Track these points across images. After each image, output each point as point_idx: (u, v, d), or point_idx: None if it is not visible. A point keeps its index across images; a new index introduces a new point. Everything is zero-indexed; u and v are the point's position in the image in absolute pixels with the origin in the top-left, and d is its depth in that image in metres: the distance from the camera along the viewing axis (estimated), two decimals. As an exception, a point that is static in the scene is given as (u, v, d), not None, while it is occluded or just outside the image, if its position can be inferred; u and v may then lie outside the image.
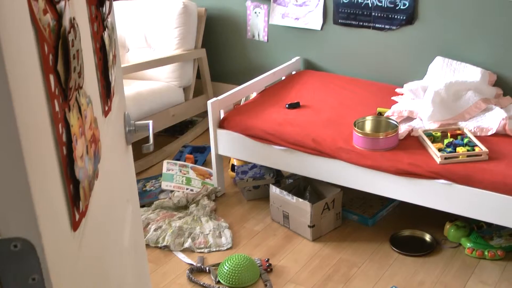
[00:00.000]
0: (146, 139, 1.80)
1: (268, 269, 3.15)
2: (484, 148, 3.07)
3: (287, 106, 3.72)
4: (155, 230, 3.41)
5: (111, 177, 1.44)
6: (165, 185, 3.82)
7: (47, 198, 0.91)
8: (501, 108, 3.45)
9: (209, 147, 3.93)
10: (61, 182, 0.97)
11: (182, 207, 3.69)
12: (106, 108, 1.45)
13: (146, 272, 2.03)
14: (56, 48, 0.97)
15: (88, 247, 1.13)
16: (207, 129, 3.79)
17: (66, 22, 1.03)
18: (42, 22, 0.91)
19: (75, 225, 1.03)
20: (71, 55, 1.04)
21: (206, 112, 3.77)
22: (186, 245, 3.34)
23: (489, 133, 3.28)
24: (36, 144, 0.87)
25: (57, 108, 0.96)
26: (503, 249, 3.18)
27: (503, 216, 2.93)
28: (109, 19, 1.60)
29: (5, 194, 0.82)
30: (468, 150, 3.08)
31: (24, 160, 0.82)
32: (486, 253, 3.17)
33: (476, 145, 3.11)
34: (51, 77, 0.95)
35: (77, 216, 1.04)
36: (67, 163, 1.00)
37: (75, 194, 1.03)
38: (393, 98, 3.73)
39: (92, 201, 1.15)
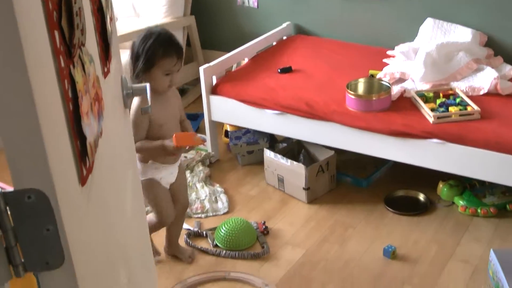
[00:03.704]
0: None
1: (265, 232, 3.18)
2: (476, 107, 3.09)
3: (279, 70, 3.73)
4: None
5: (112, 138, 1.45)
6: (159, 153, 3.83)
7: (57, 152, 0.92)
8: (493, 68, 3.47)
9: (202, 114, 3.94)
10: (69, 137, 0.99)
11: (177, 174, 3.71)
12: (105, 70, 1.46)
13: (147, 235, 2.06)
14: (60, 5, 0.98)
15: (95, 203, 1.15)
16: (199, 97, 3.79)
17: (67, -20, 1.03)
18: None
19: (83, 180, 1.05)
20: (74, 12, 1.05)
21: (197, 80, 3.77)
22: (183, 211, 3.37)
23: (481, 93, 3.30)
24: (45, 99, 0.89)
25: (62, 64, 0.98)
26: (495, 207, 3.22)
27: (496, 173, 2.97)
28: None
29: (19, 146, 0.84)
30: (460, 110, 3.10)
31: (37, 114, 0.83)
32: (479, 210, 3.21)
33: (468, 105, 3.14)
34: (56, 33, 0.96)
35: (85, 172, 1.06)
36: (74, 119, 1.01)
37: (82, 150, 1.05)
38: (384, 60, 3.74)
39: (97, 158, 1.17)
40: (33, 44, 0.85)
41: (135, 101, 2.61)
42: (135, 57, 2.60)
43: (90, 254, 1.10)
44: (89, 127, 1.09)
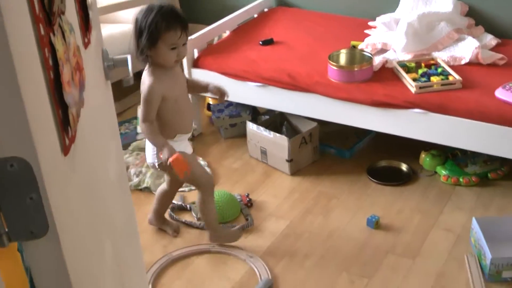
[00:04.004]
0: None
1: (249, 204, 3.19)
2: (458, 77, 3.10)
3: (260, 43, 3.71)
4: (136, 175, 3.42)
5: (95, 110, 1.44)
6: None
7: (39, 120, 0.91)
8: (474, 37, 3.47)
9: (184, 88, 3.92)
10: (50, 106, 0.98)
11: (159, 149, 3.69)
12: (86, 40, 1.44)
13: (132, 207, 2.05)
14: (38, -29, 0.97)
15: (79, 173, 1.14)
16: (183, 70, 3.76)
17: None
18: None
19: (65, 150, 1.04)
20: (53, -21, 1.03)
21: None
22: (166, 185, 3.37)
23: (462, 62, 3.31)
24: (26, 67, 0.88)
25: (42, 32, 0.96)
26: (477, 176, 3.25)
27: (478, 142, 2.99)
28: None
29: (0, 114, 0.83)
30: (442, 79, 3.11)
31: (18, 82, 0.82)
32: (461, 179, 3.24)
33: (450, 74, 3.15)
34: (35, 0, 0.94)
35: (67, 141, 1.05)
36: (55, 87, 1.00)
37: (65, 119, 1.04)
38: (366, 31, 3.73)
39: (80, 128, 1.16)
40: (12, 11, 0.84)
41: (148, 79, 2.59)
42: (138, 33, 2.54)
43: (75, 223, 1.09)
44: (71, 96, 1.08)
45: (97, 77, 1.62)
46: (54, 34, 1.02)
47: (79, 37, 1.34)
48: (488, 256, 2.57)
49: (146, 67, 2.63)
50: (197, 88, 2.93)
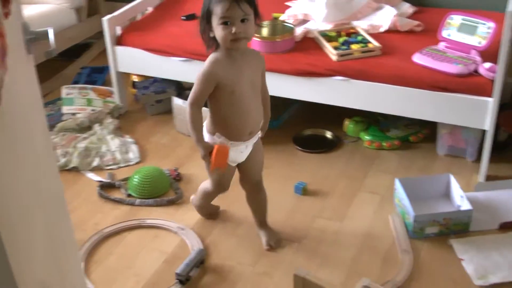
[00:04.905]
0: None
1: (177, 178, 3.21)
2: (377, 44, 3.19)
3: (183, 18, 3.72)
4: (63, 156, 3.38)
5: (17, 81, 1.43)
6: (66, 109, 3.79)
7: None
8: (392, 6, 3.57)
9: (107, 67, 3.88)
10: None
11: (85, 128, 3.66)
12: (6, 11, 1.42)
13: (60, 184, 2.04)
14: None
15: (3, 141, 1.14)
16: (105, 50, 3.74)
17: None
18: None
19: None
20: None
21: (102, 33, 3.71)
22: (95, 163, 3.35)
23: (381, 30, 3.40)
24: None
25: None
26: (399, 139, 3.36)
27: (398, 106, 3.09)
28: None
29: None
30: (362, 47, 3.19)
31: None
32: (384, 144, 3.34)
33: (370, 42, 3.23)
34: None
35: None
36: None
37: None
38: (287, 3, 3.78)
39: (5, 96, 1.15)
40: None
41: (207, 60, 2.34)
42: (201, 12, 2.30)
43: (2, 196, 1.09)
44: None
45: (18, 49, 1.60)
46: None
47: (-1, 6, 1.32)
48: (411, 214, 2.67)
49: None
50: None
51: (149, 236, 2.84)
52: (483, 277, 2.49)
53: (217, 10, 2.20)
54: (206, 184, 2.73)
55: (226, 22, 2.21)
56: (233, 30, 2.20)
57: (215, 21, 2.23)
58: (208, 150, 2.36)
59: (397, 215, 2.84)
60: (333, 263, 2.63)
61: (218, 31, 2.23)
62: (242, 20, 2.21)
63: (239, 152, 2.49)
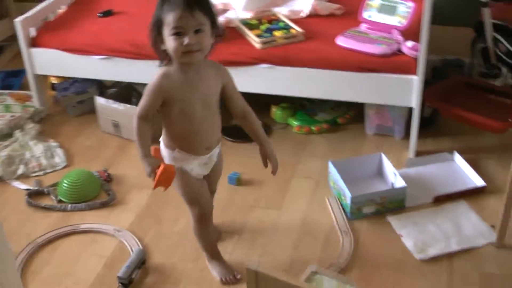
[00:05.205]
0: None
1: (108, 179, 3.14)
2: (299, 29, 3.20)
3: (99, 15, 3.63)
4: (-17, 166, 3.26)
5: None
6: (-18, 118, 3.65)
7: None
8: (310, -10, 3.58)
9: (23, 70, 3.75)
10: None
11: (5, 136, 3.53)
12: None
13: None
14: None
15: None
16: (19, 53, 3.60)
17: None
18: None
19: None
20: None
21: (14, 36, 3.58)
22: (20, 171, 3.23)
23: (302, 15, 3.42)
24: None
25: None
26: (327, 122, 3.39)
27: (324, 90, 3.11)
28: None
29: None
30: (284, 33, 3.19)
31: None
32: (313, 128, 3.36)
33: (292, 28, 3.24)
34: None
35: None
36: None
37: None
38: (204, -6, 3.73)
39: None
40: None
41: (157, 73, 2.18)
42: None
43: None
44: None
45: None
46: None
47: None
48: (348, 195, 2.69)
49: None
50: (251, 132, 2.50)
51: (86, 241, 2.77)
52: (422, 251, 2.54)
53: (168, 19, 2.03)
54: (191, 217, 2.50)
55: (177, 33, 2.03)
56: (185, 41, 2.03)
57: (166, 32, 2.06)
58: (154, 167, 2.16)
59: (333, 198, 2.86)
60: (275, 252, 2.63)
61: (169, 43, 2.07)
62: (196, 31, 2.05)
63: (203, 165, 2.37)
